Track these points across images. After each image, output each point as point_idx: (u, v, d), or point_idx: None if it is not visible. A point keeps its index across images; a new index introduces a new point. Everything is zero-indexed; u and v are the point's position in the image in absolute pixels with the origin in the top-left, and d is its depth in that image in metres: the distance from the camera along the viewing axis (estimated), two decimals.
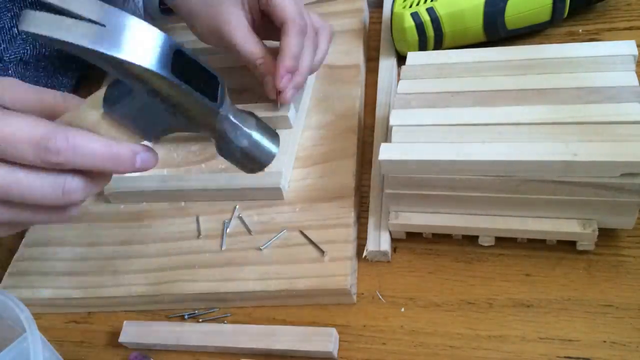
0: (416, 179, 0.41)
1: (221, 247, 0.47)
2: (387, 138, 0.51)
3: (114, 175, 0.36)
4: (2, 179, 0.30)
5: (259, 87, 0.51)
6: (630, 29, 0.55)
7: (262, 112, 0.52)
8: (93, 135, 0.32)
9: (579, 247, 0.41)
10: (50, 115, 0.33)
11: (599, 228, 0.40)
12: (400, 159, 0.40)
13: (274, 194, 0.49)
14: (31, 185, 0.31)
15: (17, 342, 0.36)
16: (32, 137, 0.30)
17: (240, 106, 0.44)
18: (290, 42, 0.46)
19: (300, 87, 0.50)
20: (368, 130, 0.54)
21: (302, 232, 0.46)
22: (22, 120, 0.30)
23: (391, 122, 0.42)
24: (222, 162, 0.54)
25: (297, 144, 0.52)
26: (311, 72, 0.50)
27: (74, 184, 0.32)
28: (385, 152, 0.40)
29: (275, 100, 0.50)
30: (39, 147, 0.30)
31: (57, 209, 0.34)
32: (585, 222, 0.40)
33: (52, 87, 0.64)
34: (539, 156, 0.37)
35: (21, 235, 0.54)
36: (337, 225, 0.46)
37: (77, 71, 0.68)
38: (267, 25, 0.49)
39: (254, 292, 0.44)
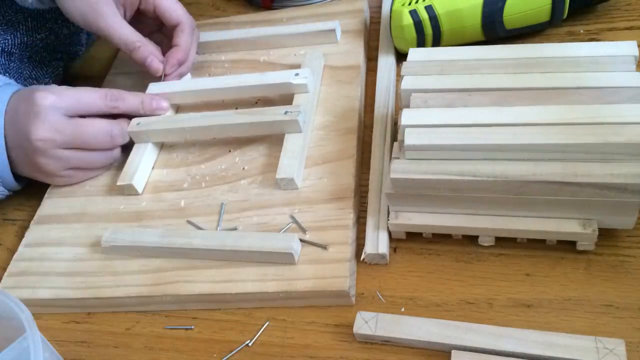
0: (417, 180, 0.41)
1: (217, 226, 0.48)
2: (389, 136, 0.51)
3: (115, 229, 0.49)
4: (75, 128, 0.50)
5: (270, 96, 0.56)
6: (630, 28, 0.55)
7: (271, 117, 0.51)
8: (129, 92, 0.55)
9: (579, 247, 0.41)
10: None
11: (599, 228, 0.40)
12: (413, 177, 0.40)
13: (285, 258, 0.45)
14: (93, 133, 0.52)
15: (17, 342, 0.36)
16: (100, 94, 0.52)
17: (248, 110, 0.51)
18: (186, 39, 0.58)
19: (183, 76, 0.60)
20: (367, 130, 0.54)
21: (301, 240, 0.46)
22: (91, 90, 0.53)
23: (403, 122, 0.42)
24: (221, 163, 0.54)
25: (306, 148, 0.52)
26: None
27: (115, 155, 0.55)
28: (398, 169, 0.41)
29: (159, 79, 0.58)
30: (107, 99, 0.52)
31: (106, 151, 0.54)
32: (585, 222, 0.40)
33: (37, 78, 0.65)
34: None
35: (21, 235, 0.54)
36: (336, 226, 0.46)
37: (62, 61, 0.69)
38: (139, 20, 0.59)
39: (253, 294, 0.44)
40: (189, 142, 0.57)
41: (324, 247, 0.45)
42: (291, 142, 0.51)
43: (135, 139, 0.55)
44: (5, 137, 0.50)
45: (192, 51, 0.59)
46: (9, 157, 0.51)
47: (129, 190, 0.53)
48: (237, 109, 0.58)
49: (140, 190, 0.53)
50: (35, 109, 0.49)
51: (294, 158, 0.50)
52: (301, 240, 0.45)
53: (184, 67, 0.59)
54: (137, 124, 0.55)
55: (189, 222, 0.50)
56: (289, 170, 0.49)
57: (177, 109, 0.61)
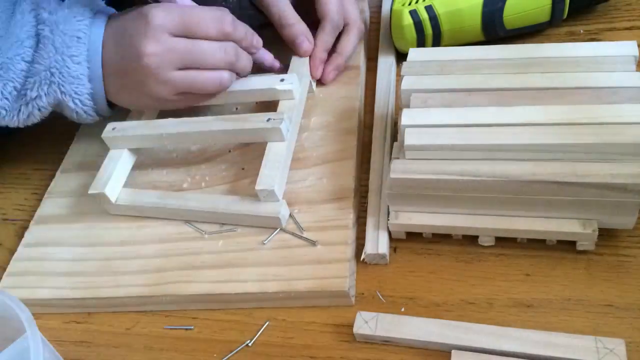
0: (417, 180, 0.41)
1: (221, 225, 0.48)
2: (389, 136, 0.51)
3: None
4: (188, 46, 0.48)
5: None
6: (630, 29, 0.55)
7: (252, 124, 0.49)
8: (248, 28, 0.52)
9: (579, 247, 0.41)
10: None
11: (599, 228, 0.40)
12: (413, 177, 0.40)
13: (273, 222, 0.47)
14: (207, 50, 0.49)
15: (17, 342, 0.36)
16: (213, 17, 0.49)
17: (230, 116, 0.49)
18: (323, 38, 0.56)
19: (340, 69, 0.58)
20: (367, 130, 0.54)
21: (292, 234, 0.46)
22: (210, 9, 0.49)
23: (403, 122, 0.42)
24: (221, 163, 0.54)
25: (290, 158, 0.50)
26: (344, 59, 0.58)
27: (231, 48, 0.50)
28: (398, 169, 0.41)
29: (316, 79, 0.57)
30: (219, 22, 0.49)
31: (217, 72, 0.50)
32: (586, 222, 0.40)
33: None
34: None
35: (20, 235, 0.54)
36: (336, 227, 0.46)
37: None
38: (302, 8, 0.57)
39: (253, 294, 0.44)
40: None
41: (313, 243, 0.45)
42: (273, 152, 0.48)
43: (110, 144, 0.53)
44: (103, 65, 0.49)
45: (347, 44, 0.57)
46: (107, 85, 0.50)
47: (101, 200, 0.50)
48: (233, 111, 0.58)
49: (113, 200, 0.50)
50: (145, 28, 0.47)
51: (276, 169, 0.46)
52: (292, 234, 0.46)
53: (338, 58, 0.57)
54: (113, 129, 0.53)
55: (188, 224, 0.50)
56: (269, 182, 0.46)
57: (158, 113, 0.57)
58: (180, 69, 0.49)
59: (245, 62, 0.52)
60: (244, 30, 0.51)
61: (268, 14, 0.55)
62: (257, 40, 0.53)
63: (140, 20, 0.48)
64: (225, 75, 0.51)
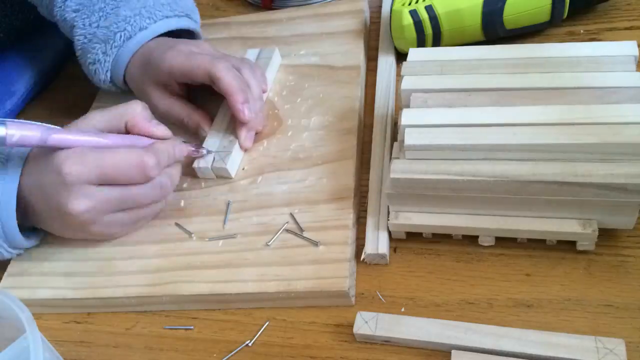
0: (417, 180, 0.41)
1: (224, 224, 0.48)
2: (389, 136, 0.51)
3: None
4: (121, 195, 0.46)
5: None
6: (630, 28, 0.55)
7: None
8: (166, 144, 0.48)
9: (579, 247, 0.41)
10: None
11: (599, 228, 0.40)
12: (413, 177, 0.40)
13: None
14: (141, 194, 0.47)
15: (17, 342, 0.37)
16: (132, 164, 0.45)
17: None
18: (237, 107, 0.51)
19: (254, 130, 0.54)
20: (367, 130, 0.54)
21: (294, 233, 0.46)
22: (126, 152, 0.45)
23: (403, 122, 0.42)
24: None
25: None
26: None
27: (164, 181, 0.48)
28: (398, 169, 0.41)
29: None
30: (141, 171, 0.45)
31: (158, 202, 0.49)
32: (586, 222, 0.40)
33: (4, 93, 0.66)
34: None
35: None
36: (336, 226, 0.46)
37: (32, 78, 0.70)
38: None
39: (253, 294, 0.44)
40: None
41: (315, 243, 0.45)
42: None
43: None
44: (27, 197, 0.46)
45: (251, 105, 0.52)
46: (35, 210, 0.47)
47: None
48: None
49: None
50: (63, 186, 0.44)
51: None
52: (294, 234, 0.46)
53: (251, 127, 0.53)
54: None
55: (177, 225, 0.50)
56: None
57: None
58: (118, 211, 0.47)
59: (176, 182, 0.50)
60: (165, 159, 0.47)
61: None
62: (180, 151, 0.49)
63: (54, 176, 0.44)
64: (163, 206, 0.50)
